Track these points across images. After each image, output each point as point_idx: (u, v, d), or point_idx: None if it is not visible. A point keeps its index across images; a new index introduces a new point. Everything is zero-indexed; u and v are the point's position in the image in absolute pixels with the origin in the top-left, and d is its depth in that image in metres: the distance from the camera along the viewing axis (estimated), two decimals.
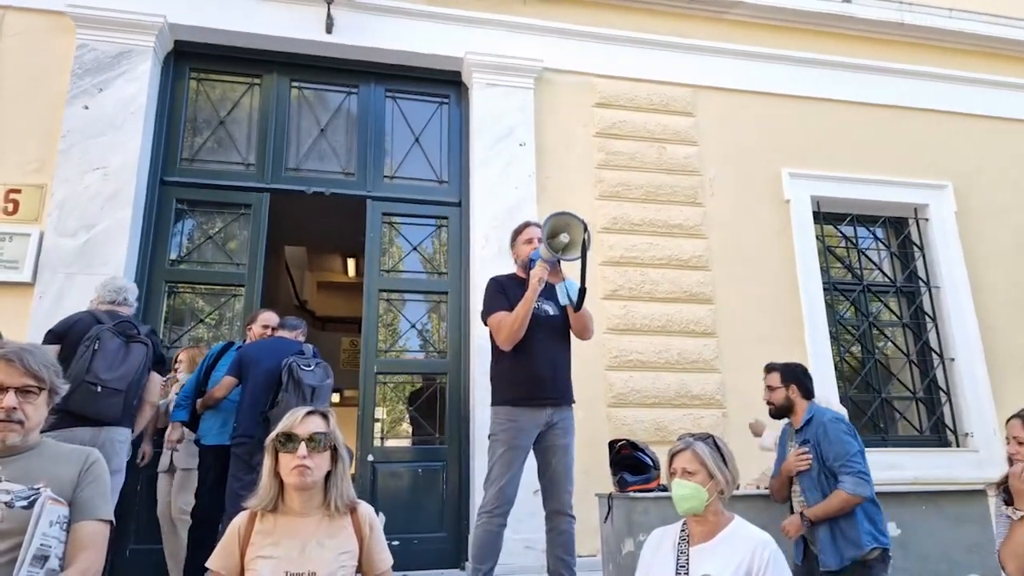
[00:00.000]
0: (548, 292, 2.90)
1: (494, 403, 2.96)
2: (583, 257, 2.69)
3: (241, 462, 3.37)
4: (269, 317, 3.93)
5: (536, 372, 2.85)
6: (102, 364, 2.82)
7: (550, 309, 2.91)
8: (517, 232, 3.18)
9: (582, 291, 2.79)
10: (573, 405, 3.00)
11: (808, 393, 2.95)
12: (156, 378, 3.19)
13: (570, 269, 2.98)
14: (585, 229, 2.70)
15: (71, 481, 1.54)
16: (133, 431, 3.11)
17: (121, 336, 2.98)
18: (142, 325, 3.20)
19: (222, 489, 3.44)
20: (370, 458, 4.27)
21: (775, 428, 3.36)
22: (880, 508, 2.73)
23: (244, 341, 3.94)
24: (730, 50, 5.31)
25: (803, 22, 5.48)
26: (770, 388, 3.02)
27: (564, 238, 2.73)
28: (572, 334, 3.04)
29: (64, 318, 3.13)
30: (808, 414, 2.87)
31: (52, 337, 2.99)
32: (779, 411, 3.00)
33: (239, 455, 3.40)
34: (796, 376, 2.97)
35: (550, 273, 2.80)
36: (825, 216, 5.28)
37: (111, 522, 1.58)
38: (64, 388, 1.67)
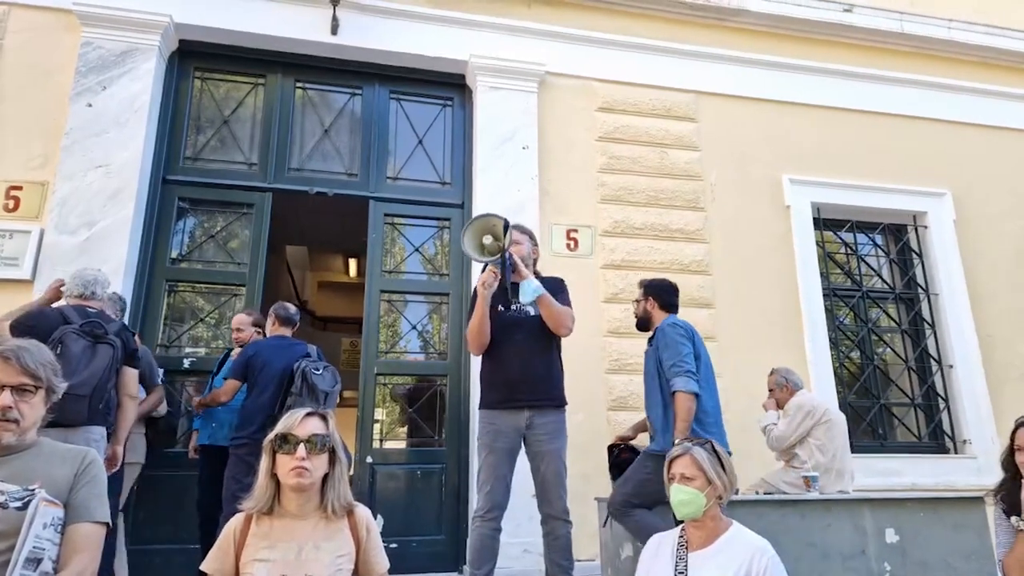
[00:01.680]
0: (516, 293, 2.87)
1: (479, 407, 2.98)
2: (502, 255, 2.67)
3: (243, 463, 3.33)
4: (238, 319, 3.91)
5: (509, 374, 2.83)
6: (65, 369, 2.73)
7: (531, 310, 2.87)
8: None
9: (506, 281, 2.76)
10: (562, 408, 2.91)
11: (666, 306, 3.08)
12: (130, 372, 3.06)
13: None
14: (506, 228, 2.66)
15: (66, 482, 1.53)
16: (116, 429, 3.02)
17: (87, 337, 2.87)
18: (112, 322, 3.06)
19: (216, 489, 3.43)
20: (369, 460, 4.26)
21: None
22: (707, 411, 2.87)
23: (237, 343, 3.91)
24: (732, 57, 5.32)
25: (805, 30, 5.50)
26: (636, 301, 3.21)
27: (487, 240, 2.71)
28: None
29: (29, 311, 3.03)
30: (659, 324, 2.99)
31: (19, 331, 2.83)
32: (640, 322, 3.17)
33: (242, 456, 3.36)
34: (655, 290, 3.12)
35: (514, 273, 2.80)
36: (825, 222, 5.29)
37: (107, 524, 1.56)
38: (62, 387, 1.66)
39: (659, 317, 3.05)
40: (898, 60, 5.66)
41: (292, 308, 3.86)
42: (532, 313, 2.85)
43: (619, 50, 5.14)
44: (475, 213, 4.64)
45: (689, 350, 2.85)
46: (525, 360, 2.83)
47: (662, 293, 3.10)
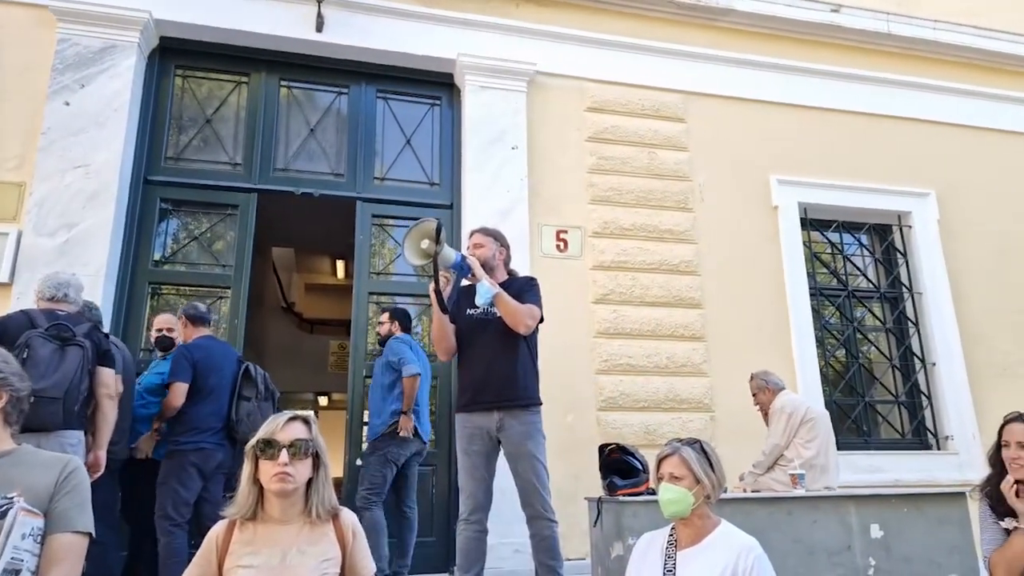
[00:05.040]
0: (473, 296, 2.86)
1: (455, 411, 2.99)
2: (434, 258, 2.67)
3: (191, 469, 3.28)
4: (168, 319, 3.79)
5: (474, 376, 2.85)
6: (33, 373, 2.59)
7: (497, 311, 2.85)
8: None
9: (442, 287, 2.78)
10: (533, 407, 2.87)
11: (403, 328, 4.13)
12: (106, 372, 2.98)
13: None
14: (439, 231, 2.66)
15: (47, 490, 1.48)
16: (97, 432, 2.94)
17: (55, 340, 2.80)
18: (82, 324, 2.98)
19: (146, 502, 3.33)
20: (358, 462, 4.23)
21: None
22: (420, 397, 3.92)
23: (157, 345, 3.79)
24: (721, 57, 5.34)
25: (792, 31, 5.53)
26: (380, 322, 4.20)
27: (425, 244, 2.71)
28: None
29: None
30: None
31: None
32: (382, 339, 4.13)
33: (194, 463, 3.29)
34: (397, 316, 4.15)
35: (470, 276, 2.81)
36: (812, 222, 5.33)
37: (89, 534, 1.52)
38: (25, 389, 1.61)
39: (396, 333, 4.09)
40: (885, 61, 5.71)
41: (203, 306, 3.73)
42: (498, 314, 2.84)
43: (608, 50, 5.14)
44: (465, 213, 4.63)
45: (408, 349, 3.94)
46: (490, 361, 2.83)
47: (403, 318, 4.17)
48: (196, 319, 3.64)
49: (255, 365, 3.65)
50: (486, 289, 2.75)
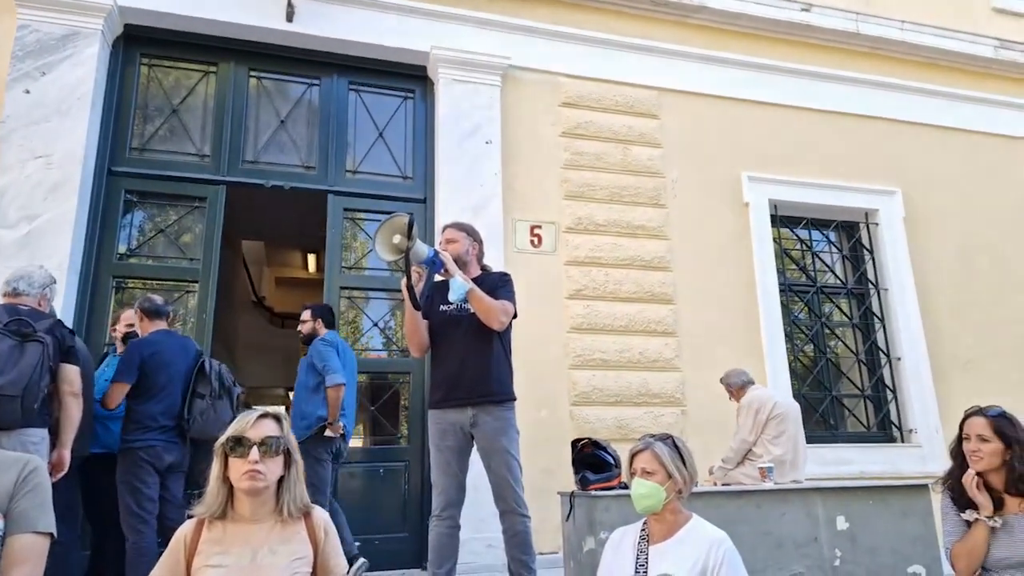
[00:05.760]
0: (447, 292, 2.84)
1: (428, 407, 2.98)
2: (406, 254, 2.64)
3: (144, 466, 3.18)
4: (131, 315, 3.63)
5: (448, 372, 2.83)
6: None
7: (470, 307, 2.83)
8: None
9: (414, 283, 2.75)
10: (507, 403, 2.86)
11: (327, 324, 4.07)
12: (69, 369, 2.90)
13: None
14: (411, 226, 2.63)
15: (6, 491, 1.44)
16: (60, 431, 2.86)
17: (15, 336, 2.71)
18: (44, 319, 2.89)
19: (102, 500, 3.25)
20: None
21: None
22: (346, 397, 3.86)
23: (114, 342, 3.68)
24: (694, 54, 5.39)
25: (763, 29, 5.60)
26: (302, 320, 4.10)
27: (397, 239, 2.67)
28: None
29: None
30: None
31: None
32: (306, 338, 4.07)
33: (145, 459, 3.18)
34: (320, 313, 4.09)
35: (442, 271, 2.78)
36: (782, 219, 5.42)
37: (51, 534, 1.49)
38: None
39: (321, 332, 4.02)
40: (853, 60, 5.82)
41: (159, 299, 3.57)
42: (471, 310, 2.83)
43: (582, 45, 5.14)
44: (438, 208, 4.60)
45: (333, 353, 3.87)
46: (464, 357, 2.82)
47: (327, 315, 4.11)
48: (151, 312, 3.48)
49: (212, 360, 3.52)
50: (459, 285, 2.73)
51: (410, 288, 2.73)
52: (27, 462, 1.53)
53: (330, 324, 4.09)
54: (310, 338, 4.02)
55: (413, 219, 2.67)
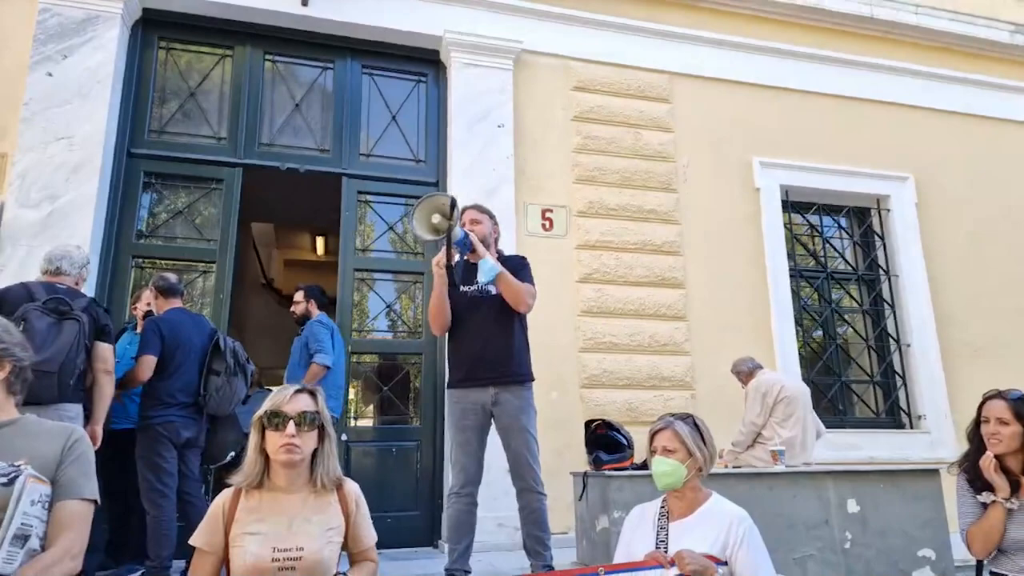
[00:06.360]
0: (474, 273, 2.88)
1: (447, 387, 3.02)
2: (448, 233, 2.66)
3: (163, 441, 3.23)
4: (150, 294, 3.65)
5: (471, 352, 2.86)
6: (29, 347, 2.63)
7: (492, 288, 2.88)
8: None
9: (451, 259, 2.75)
10: (527, 383, 2.91)
11: (320, 305, 4.20)
12: (104, 347, 2.97)
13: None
14: (453, 206, 2.65)
15: (54, 459, 1.50)
16: (94, 408, 2.93)
17: (52, 314, 2.78)
18: (80, 298, 2.96)
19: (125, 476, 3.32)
20: (344, 437, 4.26)
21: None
22: (335, 380, 3.99)
23: (136, 319, 3.73)
24: (706, 38, 5.36)
25: (776, 13, 5.56)
26: (295, 301, 4.24)
27: (436, 219, 2.69)
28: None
29: None
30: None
31: None
32: (299, 319, 4.20)
33: (164, 434, 3.23)
34: (313, 294, 4.23)
35: (470, 253, 2.81)
36: (793, 204, 5.42)
37: (95, 501, 1.54)
38: (27, 359, 1.62)
39: (315, 314, 4.16)
40: (867, 44, 5.78)
41: (173, 277, 3.60)
42: (493, 292, 2.87)
43: (594, 29, 5.13)
44: (451, 191, 4.62)
45: (327, 334, 3.97)
46: (487, 338, 2.86)
47: (319, 296, 4.22)
48: (166, 290, 3.51)
49: (227, 337, 3.57)
50: (490, 267, 2.75)
51: (449, 268, 2.74)
52: (72, 432, 1.58)
53: (323, 305, 4.22)
54: (303, 319, 4.18)
55: (455, 200, 2.68)
